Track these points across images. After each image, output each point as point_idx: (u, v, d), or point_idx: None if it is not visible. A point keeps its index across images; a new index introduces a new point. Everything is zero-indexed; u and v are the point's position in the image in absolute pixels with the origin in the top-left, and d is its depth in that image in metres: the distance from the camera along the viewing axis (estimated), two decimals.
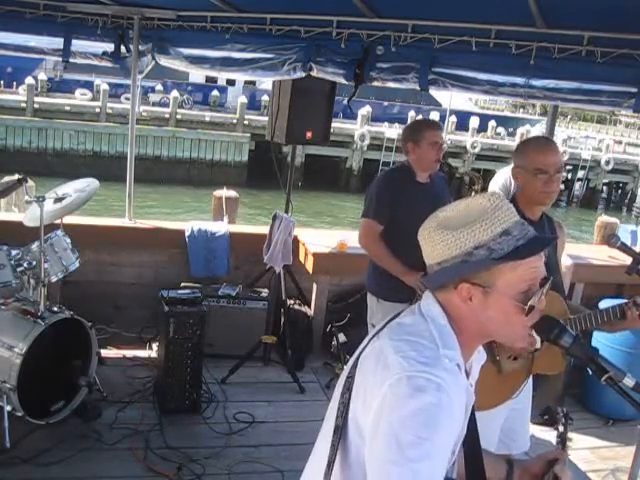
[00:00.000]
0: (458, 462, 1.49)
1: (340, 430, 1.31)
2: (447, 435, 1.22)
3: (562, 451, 1.61)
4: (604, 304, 4.74)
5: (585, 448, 4.14)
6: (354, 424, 1.29)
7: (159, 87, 27.97)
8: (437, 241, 1.31)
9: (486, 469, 1.55)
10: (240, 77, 15.76)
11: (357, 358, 1.36)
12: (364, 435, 1.25)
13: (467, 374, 1.39)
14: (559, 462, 1.56)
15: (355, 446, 1.29)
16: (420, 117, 27.23)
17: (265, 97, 25.67)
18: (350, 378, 1.33)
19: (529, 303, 1.30)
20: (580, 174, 30.15)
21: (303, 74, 4.02)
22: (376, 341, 1.34)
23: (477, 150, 28.50)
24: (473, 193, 3.60)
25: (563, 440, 1.64)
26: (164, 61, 4.72)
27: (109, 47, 4.76)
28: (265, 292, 4.82)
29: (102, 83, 24.88)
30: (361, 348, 1.39)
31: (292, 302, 4.93)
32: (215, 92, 29.10)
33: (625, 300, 2.49)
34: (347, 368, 1.38)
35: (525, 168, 2.46)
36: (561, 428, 1.67)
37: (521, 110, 43.89)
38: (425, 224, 1.37)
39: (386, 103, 31.98)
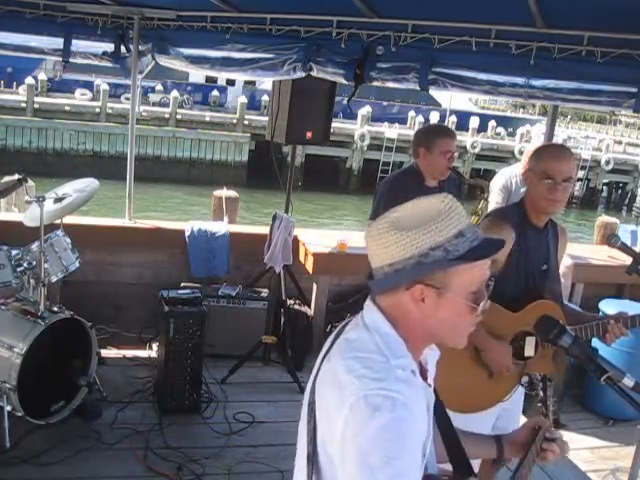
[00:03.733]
0: (438, 454, 1.51)
1: (312, 457, 1.31)
2: (414, 445, 1.23)
3: (543, 417, 1.62)
4: (604, 304, 4.75)
5: (585, 448, 4.14)
6: (323, 450, 1.28)
7: (159, 87, 27.96)
8: (390, 242, 1.28)
9: (478, 452, 1.62)
10: (240, 77, 15.75)
11: (313, 382, 1.35)
12: (334, 461, 1.25)
13: (424, 375, 1.41)
14: (543, 427, 1.58)
15: (329, 471, 1.28)
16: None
17: (265, 97, 25.66)
18: (312, 404, 1.32)
19: (480, 303, 1.31)
20: (580, 174, 30.11)
21: (303, 74, 4.02)
22: (327, 363, 1.33)
23: (477, 150, 28.49)
24: (483, 201, 3.59)
25: (545, 404, 1.64)
26: (164, 61, 4.72)
27: (109, 47, 4.77)
28: (265, 292, 4.82)
29: (102, 83, 24.87)
30: (315, 371, 1.37)
31: (292, 302, 4.93)
32: (215, 92, 29.10)
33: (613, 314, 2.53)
34: (306, 394, 1.37)
35: (534, 171, 2.44)
36: (541, 393, 1.67)
37: (521, 110, 43.87)
38: (374, 224, 1.33)
39: (386, 103, 31.97)
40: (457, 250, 1.26)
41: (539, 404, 1.64)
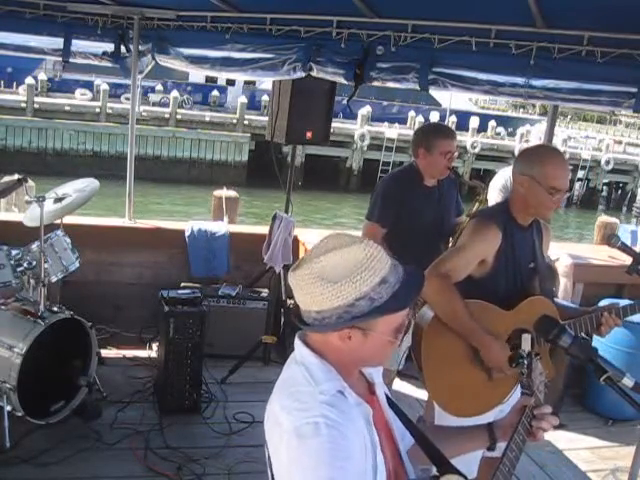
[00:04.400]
0: (414, 457, 1.56)
1: None
2: (350, 460, 1.27)
3: (529, 393, 1.63)
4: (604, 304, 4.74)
5: (585, 448, 4.14)
6: None
7: (159, 87, 27.95)
8: (317, 293, 1.33)
9: (473, 445, 1.68)
10: (240, 77, 15.73)
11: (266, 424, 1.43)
12: None
13: (371, 390, 1.49)
14: (529, 405, 1.60)
15: None
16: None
17: (265, 97, 25.65)
18: (266, 445, 1.40)
19: (400, 335, 1.40)
20: (580, 174, 30.14)
21: (303, 74, 4.01)
22: (269, 405, 1.42)
23: (477, 150, 28.50)
24: (477, 204, 3.58)
25: (530, 379, 1.64)
26: (164, 61, 4.72)
27: (109, 47, 4.76)
28: (265, 292, 4.82)
29: (102, 83, 24.87)
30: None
31: (292, 302, 4.93)
32: (215, 92, 29.11)
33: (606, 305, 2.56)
34: (265, 435, 1.44)
35: (538, 181, 2.39)
36: (525, 369, 1.67)
37: (521, 110, 43.87)
38: (298, 272, 1.37)
39: (386, 103, 31.97)
40: (381, 297, 1.32)
41: (524, 380, 1.64)
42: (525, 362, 1.65)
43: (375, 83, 3.91)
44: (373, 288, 1.31)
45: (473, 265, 2.45)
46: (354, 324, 1.33)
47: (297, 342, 1.46)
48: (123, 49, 4.77)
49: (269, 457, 1.39)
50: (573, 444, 4.14)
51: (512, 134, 32.07)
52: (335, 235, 1.40)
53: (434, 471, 1.51)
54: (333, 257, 1.34)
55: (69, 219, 4.02)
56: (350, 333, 1.35)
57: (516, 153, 27.46)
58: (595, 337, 4.31)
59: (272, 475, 1.38)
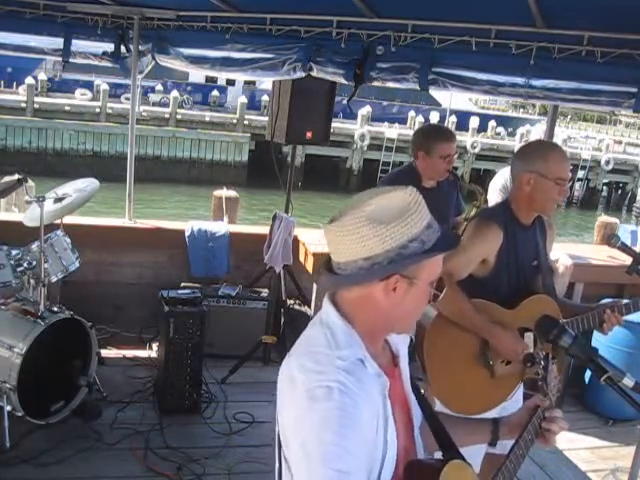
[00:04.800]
0: (425, 439, 1.54)
1: (280, 456, 1.36)
2: (359, 429, 1.24)
3: (542, 397, 1.62)
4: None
5: (585, 448, 4.14)
6: (286, 447, 1.32)
7: (159, 87, 27.95)
8: (369, 235, 1.28)
9: (469, 434, 1.64)
10: (240, 77, 15.73)
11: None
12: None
13: (394, 361, 1.47)
14: (542, 406, 1.59)
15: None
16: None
17: (265, 97, 25.65)
18: (276, 402, 1.37)
19: (432, 290, 1.39)
20: (580, 174, 30.14)
21: (303, 74, 4.01)
22: (286, 361, 1.38)
23: (477, 150, 28.50)
24: (475, 209, 3.58)
25: (545, 382, 1.63)
26: (164, 61, 4.72)
27: (109, 47, 4.76)
28: (265, 292, 4.82)
29: (102, 83, 24.87)
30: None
31: (292, 302, 4.93)
32: (215, 92, 29.09)
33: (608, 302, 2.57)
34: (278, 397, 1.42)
35: (543, 175, 2.42)
36: (542, 371, 1.66)
37: (521, 110, 43.87)
38: (344, 219, 1.32)
39: (386, 103, 31.96)
40: (430, 241, 1.31)
41: (540, 382, 1.64)
42: (542, 364, 1.65)
43: (375, 83, 3.91)
44: (422, 231, 1.30)
45: (474, 264, 2.47)
46: (402, 271, 1.30)
47: (326, 301, 1.41)
48: (123, 49, 4.77)
49: (278, 412, 1.36)
50: (573, 444, 4.14)
51: (512, 134, 32.07)
52: (373, 188, 1.39)
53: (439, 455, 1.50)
54: (381, 200, 1.31)
55: (69, 219, 4.02)
56: (397, 282, 1.31)
57: None
58: (595, 337, 4.34)
59: (278, 432, 1.35)
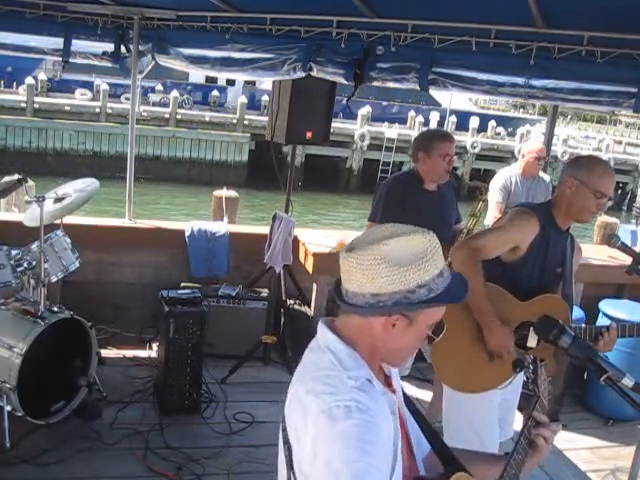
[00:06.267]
0: (427, 457, 1.56)
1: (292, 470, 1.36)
2: (378, 445, 1.27)
3: (534, 397, 1.62)
4: (604, 304, 4.75)
5: (585, 448, 4.14)
6: (300, 472, 1.34)
7: (159, 87, 27.94)
8: (381, 274, 1.33)
9: (487, 469, 1.61)
10: (240, 77, 15.72)
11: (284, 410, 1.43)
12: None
13: (387, 382, 1.50)
14: (532, 420, 1.59)
15: None
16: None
17: (265, 97, 25.63)
18: (284, 431, 1.39)
19: (431, 332, 1.43)
20: None
21: (303, 74, 4.01)
22: (291, 389, 1.42)
23: (477, 150, 28.48)
24: (481, 203, 3.62)
25: (536, 384, 1.62)
26: (164, 61, 4.72)
27: (109, 47, 4.76)
28: (265, 292, 4.82)
29: (102, 83, 24.85)
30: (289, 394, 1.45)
31: (292, 302, 4.93)
32: (215, 92, 29.07)
33: (607, 324, 2.61)
34: (282, 421, 1.44)
35: (586, 184, 2.51)
36: (531, 375, 1.65)
37: (521, 110, 43.86)
38: (360, 254, 1.36)
39: (386, 103, 31.95)
40: (437, 288, 1.35)
41: (530, 386, 1.64)
42: (530, 367, 1.65)
43: (375, 83, 3.91)
44: (433, 279, 1.34)
45: (506, 248, 2.54)
46: (405, 311, 1.35)
47: (322, 328, 1.46)
48: (123, 49, 4.77)
49: (287, 443, 1.37)
50: (573, 444, 4.14)
51: (512, 134, 32.05)
52: (391, 224, 1.42)
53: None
54: (399, 242, 1.35)
55: (69, 219, 4.02)
56: (397, 320, 1.36)
57: (516, 153, 27.53)
58: None
59: (289, 462, 1.36)
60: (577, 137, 36.11)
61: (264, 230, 4.86)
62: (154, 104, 26.78)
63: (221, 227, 5.18)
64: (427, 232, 1.39)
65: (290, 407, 1.39)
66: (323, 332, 1.44)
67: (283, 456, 1.39)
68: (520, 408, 2.89)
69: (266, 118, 5.44)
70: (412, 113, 30.25)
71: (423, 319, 1.38)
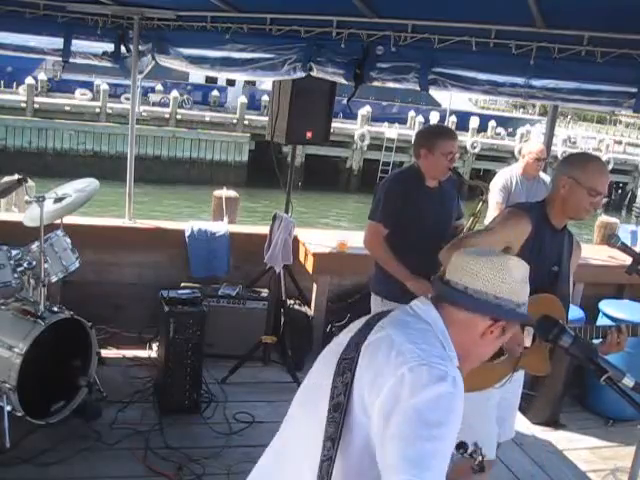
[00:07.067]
0: None
1: (343, 407, 1.41)
2: (458, 424, 1.37)
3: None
4: (604, 304, 4.74)
5: (585, 448, 4.15)
6: (359, 403, 1.40)
7: (159, 87, 27.91)
8: (508, 281, 1.50)
9: None
10: (240, 77, 15.75)
11: (356, 344, 1.49)
12: (370, 414, 1.37)
13: None
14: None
15: (359, 423, 1.40)
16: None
17: (265, 97, 25.63)
18: (348, 360, 1.46)
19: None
20: None
21: (303, 74, 4.01)
22: (381, 331, 1.48)
23: (477, 150, 28.48)
24: (482, 203, 3.60)
25: (480, 468, 1.68)
26: (164, 61, 4.72)
27: (109, 47, 4.76)
28: (265, 292, 4.82)
29: (102, 83, 24.84)
30: (352, 333, 1.55)
31: (292, 302, 4.93)
32: (215, 92, 29.06)
33: (612, 324, 2.60)
34: (337, 350, 1.52)
35: (580, 182, 2.49)
36: (475, 467, 1.69)
37: (521, 110, 43.85)
38: (497, 260, 1.52)
39: (386, 103, 31.93)
40: (525, 312, 1.55)
41: (474, 469, 1.68)
42: (476, 459, 1.67)
43: (375, 83, 3.91)
44: (524, 302, 1.55)
45: (497, 249, 2.52)
46: (512, 320, 1.54)
47: (428, 305, 1.54)
48: (123, 49, 4.77)
49: (348, 367, 1.44)
50: (573, 444, 4.14)
51: (512, 134, 32.03)
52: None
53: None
54: (516, 261, 1.56)
55: (69, 219, 4.02)
56: (497, 327, 1.52)
57: (516, 153, 27.53)
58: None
59: (349, 383, 1.43)
60: (577, 137, 36.07)
61: (264, 230, 4.86)
62: (154, 104, 26.76)
63: (221, 227, 5.18)
64: (520, 259, 1.58)
65: (376, 345, 1.45)
66: (428, 308, 1.53)
67: (332, 383, 1.45)
68: (521, 409, 2.89)
69: (266, 118, 5.44)
70: (412, 113, 30.25)
71: (510, 334, 1.55)
